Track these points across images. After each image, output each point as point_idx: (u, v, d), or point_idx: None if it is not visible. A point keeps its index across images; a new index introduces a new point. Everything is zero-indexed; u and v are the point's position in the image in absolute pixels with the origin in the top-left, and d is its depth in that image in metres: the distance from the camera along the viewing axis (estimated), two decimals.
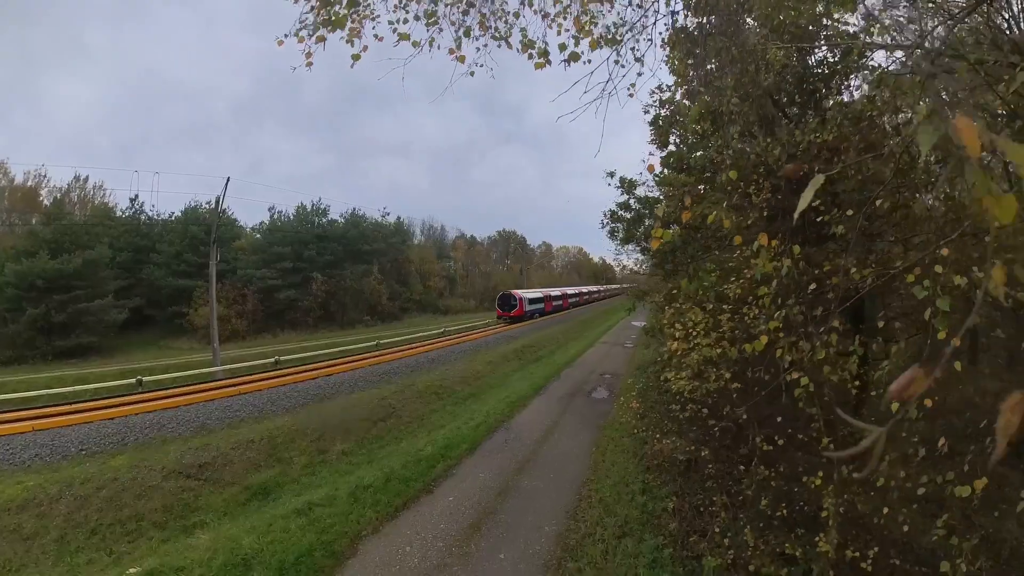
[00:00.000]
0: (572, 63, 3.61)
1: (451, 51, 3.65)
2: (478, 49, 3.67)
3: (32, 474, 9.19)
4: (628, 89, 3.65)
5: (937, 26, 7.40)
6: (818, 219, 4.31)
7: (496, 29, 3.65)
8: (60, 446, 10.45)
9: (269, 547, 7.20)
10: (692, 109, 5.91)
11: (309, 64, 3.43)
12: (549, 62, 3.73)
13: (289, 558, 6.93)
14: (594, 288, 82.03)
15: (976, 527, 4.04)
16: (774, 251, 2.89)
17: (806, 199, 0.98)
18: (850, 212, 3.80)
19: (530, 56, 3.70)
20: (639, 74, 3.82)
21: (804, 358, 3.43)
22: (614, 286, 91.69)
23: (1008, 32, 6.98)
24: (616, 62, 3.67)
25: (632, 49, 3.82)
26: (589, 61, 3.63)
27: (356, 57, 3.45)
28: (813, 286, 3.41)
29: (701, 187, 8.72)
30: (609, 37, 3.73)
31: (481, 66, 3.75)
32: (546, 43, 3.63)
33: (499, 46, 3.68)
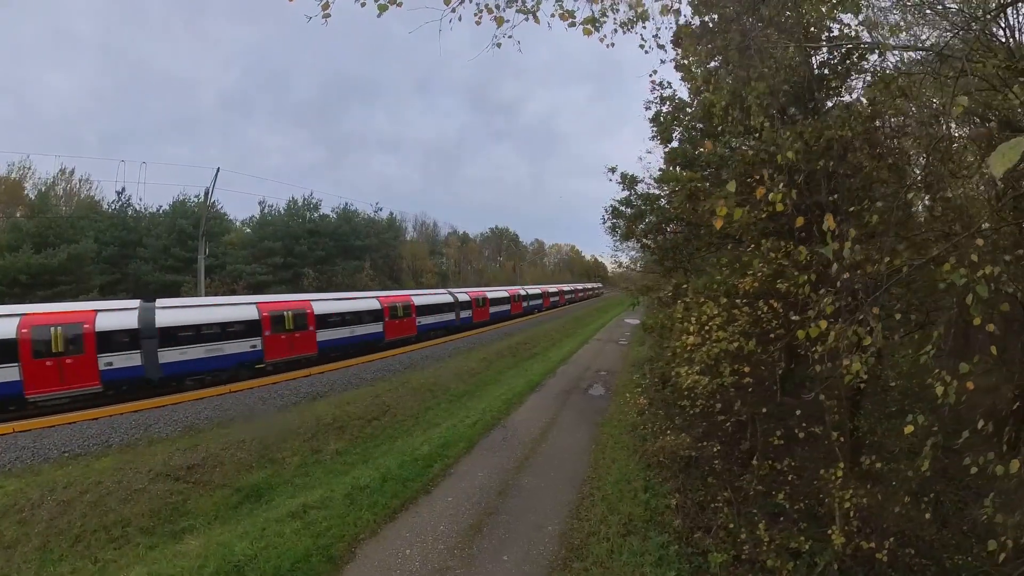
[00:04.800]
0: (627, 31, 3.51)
1: (488, 10, 3.57)
2: (500, 23, 3.55)
3: (12, 478, 8.81)
4: (651, 75, 3.51)
5: (945, 33, 7.37)
6: (851, 209, 4.18)
7: (523, 3, 3.53)
8: (42, 448, 10.05)
9: (263, 553, 6.92)
10: (709, 96, 5.73)
11: (326, 16, 3.26)
12: (598, 28, 3.72)
13: (285, 564, 6.67)
14: (552, 288, 55.67)
15: (1016, 505, 4.02)
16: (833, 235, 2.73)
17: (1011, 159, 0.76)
18: (879, 203, 3.66)
19: (572, 24, 3.67)
20: (662, 61, 3.71)
21: (843, 346, 3.30)
22: (591, 285, 73.20)
23: (1007, 42, 7.00)
24: (640, 47, 3.60)
25: (654, 36, 3.78)
26: (613, 45, 3.51)
27: (383, 8, 3.33)
28: (846, 275, 3.26)
29: (707, 183, 8.57)
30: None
31: (510, 37, 3.65)
32: (593, 10, 3.59)
33: (526, 19, 3.57)
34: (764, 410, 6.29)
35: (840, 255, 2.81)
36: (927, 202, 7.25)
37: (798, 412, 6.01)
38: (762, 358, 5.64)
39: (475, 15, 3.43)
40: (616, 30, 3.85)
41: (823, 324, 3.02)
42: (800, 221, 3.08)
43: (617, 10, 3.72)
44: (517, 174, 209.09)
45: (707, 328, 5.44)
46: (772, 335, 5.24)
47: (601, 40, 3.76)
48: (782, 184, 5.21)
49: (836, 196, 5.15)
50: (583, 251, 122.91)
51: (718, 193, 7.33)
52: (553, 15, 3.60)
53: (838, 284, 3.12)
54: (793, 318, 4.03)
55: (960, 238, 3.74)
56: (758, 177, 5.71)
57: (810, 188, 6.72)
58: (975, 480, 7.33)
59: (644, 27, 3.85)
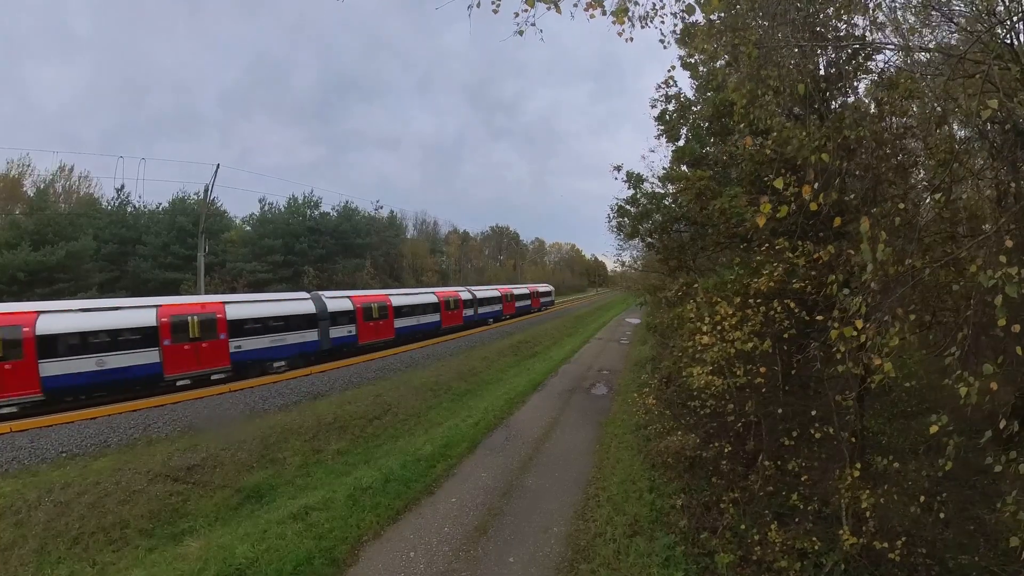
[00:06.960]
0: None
1: None
2: (517, 14, 3.48)
3: (10, 479, 8.69)
4: (670, 71, 3.45)
5: (950, 36, 7.24)
6: (874, 211, 4.09)
7: None
8: (39, 448, 9.92)
9: (265, 555, 6.81)
10: (728, 96, 5.64)
11: None
12: (630, 19, 3.75)
13: (287, 567, 6.56)
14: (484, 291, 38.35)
15: None
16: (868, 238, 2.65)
17: None
18: (901, 205, 3.59)
19: (603, 13, 3.71)
20: (680, 58, 3.62)
21: (877, 345, 3.23)
22: (520, 287, 45.65)
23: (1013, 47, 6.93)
24: (660, 41, 3.56)
25: (672, 32, 3.73)
26: (631, 39, 3.46)
27: None
28: (867, 276, 3.17)
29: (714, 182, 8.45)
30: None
31: (533, 24, 3.66)
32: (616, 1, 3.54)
33: (548, 8, 3.47)
34: (780, 411, 6.18)
35: (874, 256, 2.74)
36: (931, 202, 7.20)
37: (813, 412, 5.92)
38: (775, 358, 5.55)
39: (493, 2, 3.32)
40: (634, 24, 3.80)
41: (859, 324, 2.94)
42: (838, 221, 3.03)
43: (637, 3, 3.67)
44: (517, 172, 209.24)
45: (720, 328, 5.36)
46: (785, 335, 5.16)
47: (620, 34, 3.68)
48: (816, 184, 5.16)
49: (852, 196, 5.07)
50: (584, 250, 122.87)
51: (727, 193, 7.24)
52: (576, 5, 3.52)
53: (871, 285, 3.04)
54: (817, 318, 3.94)
55: (982, 238, 3.65)
56: (772, 176, 5.62)
57: (826, 188, 6.64)
58: (981, 480, 7.28)
59: (663, 22, 3.81)
